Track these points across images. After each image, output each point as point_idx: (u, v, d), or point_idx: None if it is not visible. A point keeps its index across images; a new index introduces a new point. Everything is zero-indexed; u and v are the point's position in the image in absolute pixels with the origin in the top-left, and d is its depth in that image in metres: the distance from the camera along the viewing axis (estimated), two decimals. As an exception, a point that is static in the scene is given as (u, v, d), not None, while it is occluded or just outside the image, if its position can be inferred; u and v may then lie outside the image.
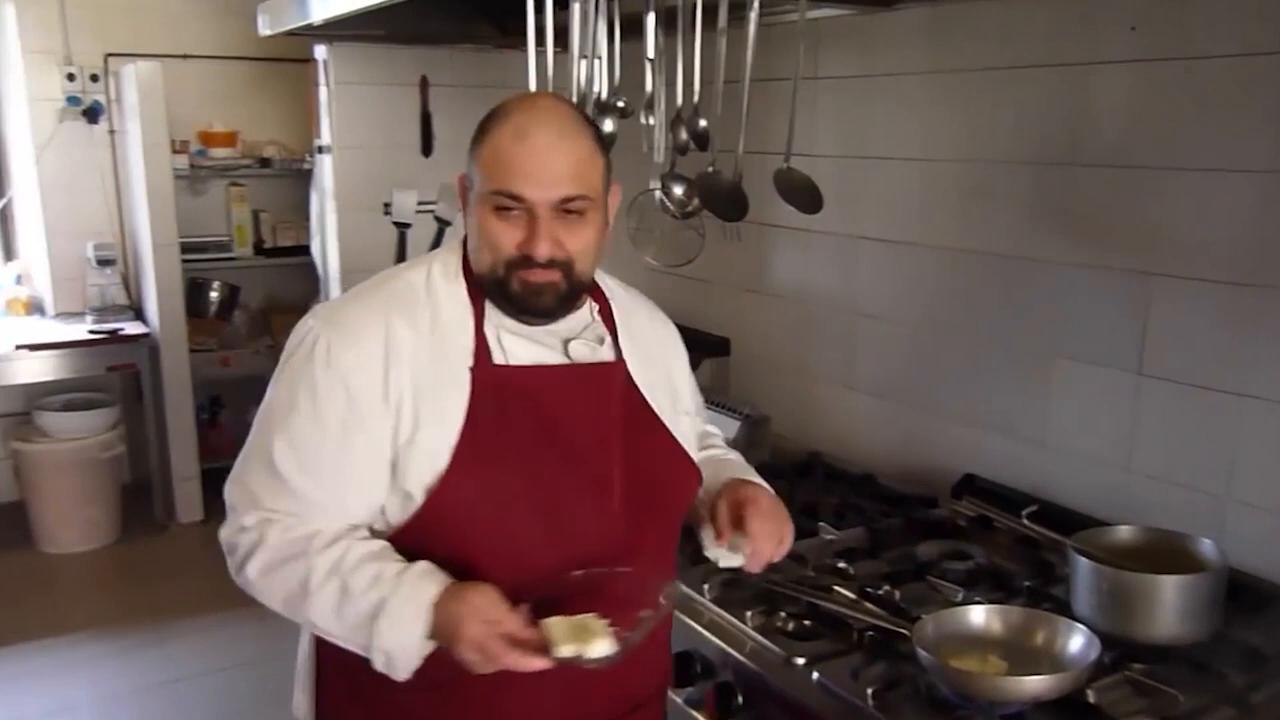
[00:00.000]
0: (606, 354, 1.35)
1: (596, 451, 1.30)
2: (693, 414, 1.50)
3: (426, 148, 3.20)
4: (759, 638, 1.62)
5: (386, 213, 3.20)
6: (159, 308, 4.02)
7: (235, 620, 3.06)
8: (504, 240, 1.23)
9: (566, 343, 1.33)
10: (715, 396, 2.58)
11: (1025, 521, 1.92)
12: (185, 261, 4.19)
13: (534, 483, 1.26)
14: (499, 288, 1.26)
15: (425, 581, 1.19)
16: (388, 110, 3.16)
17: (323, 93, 3.13)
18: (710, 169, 2.10)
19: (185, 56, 4.36)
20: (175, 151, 4.16)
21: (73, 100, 4.25)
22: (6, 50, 4.30)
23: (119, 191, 4.40)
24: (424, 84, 3.17)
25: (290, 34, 3.03)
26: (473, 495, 1.23)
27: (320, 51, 3.09)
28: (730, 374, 2.82)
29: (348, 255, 3.23)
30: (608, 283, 1.44)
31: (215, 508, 1.45)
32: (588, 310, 1.37)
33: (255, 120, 4.60)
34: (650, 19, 1.93)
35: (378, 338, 1.25)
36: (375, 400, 1.23)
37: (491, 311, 1.29)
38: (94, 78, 4.28)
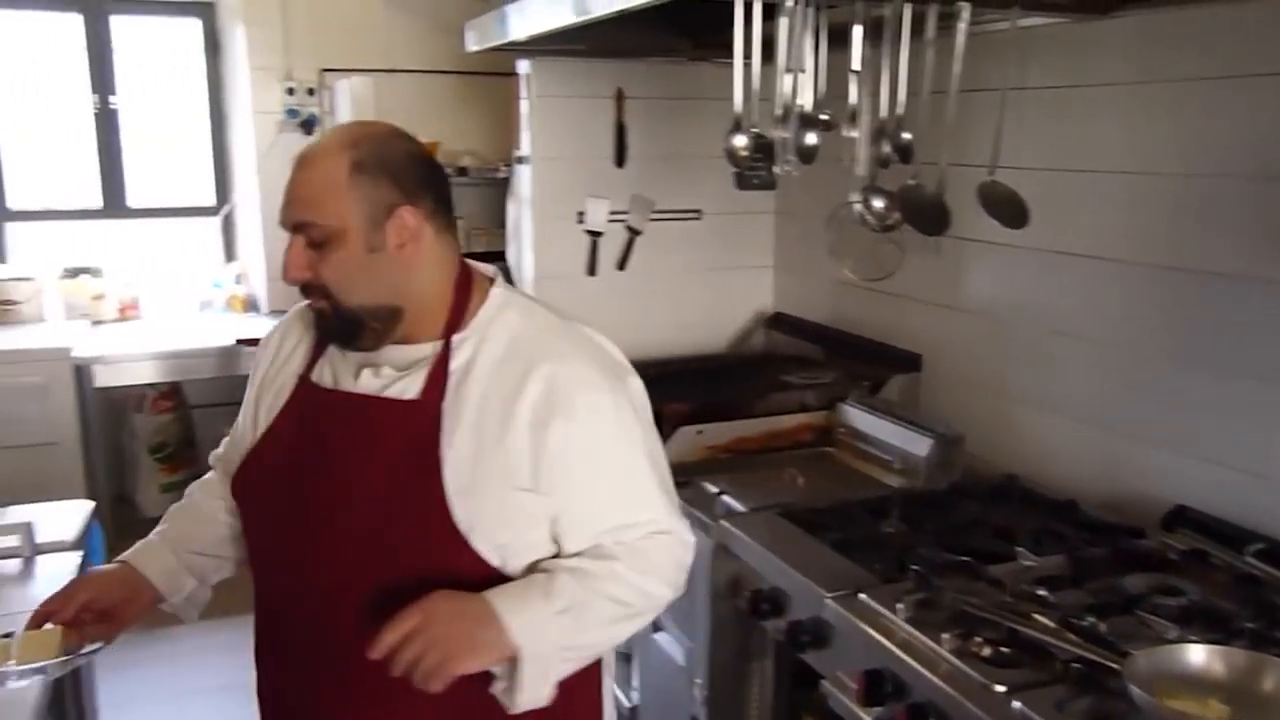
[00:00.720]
0: (408, 390, 1.29)
1: (340, 482, 1.29)
2: (539, 494, 1.28)
3: (620, 159, 3.27)
4: (955, 661, 1.58)
5: (580, 221, 3.29)
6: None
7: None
8: (284, 266, 1.31)
9: (361, 369, 1.34)
10: (904, 413, 2.54)
11: (1249, 559, 1.80)
12: (387, 264, 4.41)
13: (288, 492, 1.33)
14: None
15: None
16: (584, 122, 3.25)
17: (524, 105, 3.25)
18: (912, 181, 2.07)
19: (393, 71, 4.60)
20: (382, 161, 4.39)
21: (291, 113, 4.56)
22: (236, 67, 4.65)
23: (330, 198, 4.68)
24: (619, 97, 3.24)
25: (494, 50, 3.17)
26: (252, 484, 1.38)
27: (523, 66, 3.21)
28: (920, 391, 2.76)
29: (542, 262, 3.33)
30: (512, 326, 1.32)
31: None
32: (429, 345, 1.32)
33: (454, 131, 4.81)
34: (857, 30, 1.92)
35: (275, 336, 1.48)
36: (252, 384, 1.46)
37: None
38: (310, 91, 4.58)
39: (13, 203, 4.59)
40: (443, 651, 1.18)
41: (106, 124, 4.66)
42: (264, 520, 1.38)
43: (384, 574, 1.27)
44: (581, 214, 3.30)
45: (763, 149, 2.03)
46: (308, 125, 4.56)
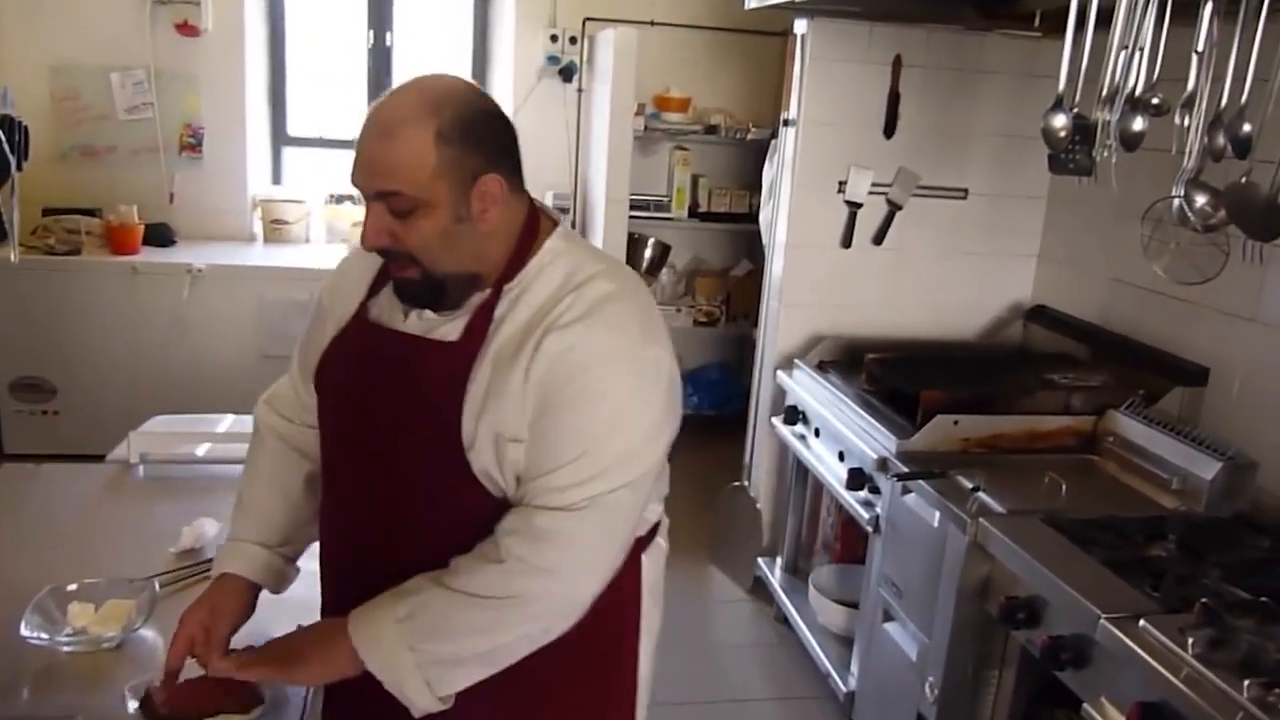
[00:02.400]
0: (450, 334, 1.28)
1: (371, 416, 1.30)
2: (521, 443, 1.23)
3: (890, 129, 3.15)
4: (1255, 711, 1.44)
5: (840, 191, 3.20)
6: (603, 258, 4.31)
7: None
8: (362, 231, 1.26)
9: (410, 311, 1.32)
10: (1184, 429, 2.33)
11: None
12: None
13: (336, 422, 1.37)
14: None
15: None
16: (857, 88, 3.14)
17: (796, 67, 3.17)
18: (1244, 179, 1.87)
19: (652, 24, 4.60)
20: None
21: (552, 60, 4.64)
22: (503, 13, 4.77)
23: (578, 147, 4.76)
24: (897, 64, 3.11)
25: (773, 8, 3.10)
26: (322, 403, 1.40)
27: (800, 26, 3.12)
28: (1203, 407, 2.54)
29: (796, 229, 3.26)
30: (554, 281, 1.26)
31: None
32: (480, 295, 1.28)
33: (708, 89, 4.78)
34: (1207, 7, 1.74)
35: (341, 265, 1.48)
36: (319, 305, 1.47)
37: None
38: (572, 40, 4.64)
39: (291, 129, 4.91)
40: (269, 656, 1.28)
41: (380, 59, 4.88)
42: (325, 428, 1.42)
43: (414, 511, 1.30)
44: (843, 183, 3.20)
45: (1082, 131, 1.88)
46: (567, 73, 4.63)
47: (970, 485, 2.25)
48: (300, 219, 4.67)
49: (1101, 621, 1.72)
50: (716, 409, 5.00)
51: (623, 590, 1.35)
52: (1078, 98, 1.91)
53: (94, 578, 1.61)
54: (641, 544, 1.42)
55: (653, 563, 1.45)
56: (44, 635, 1.48)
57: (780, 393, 3.32)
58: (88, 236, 4.23)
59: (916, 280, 3.35)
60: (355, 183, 1.23)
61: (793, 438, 3.16)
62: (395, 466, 1.29)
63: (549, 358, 1.21)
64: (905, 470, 2.41)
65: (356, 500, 1.36)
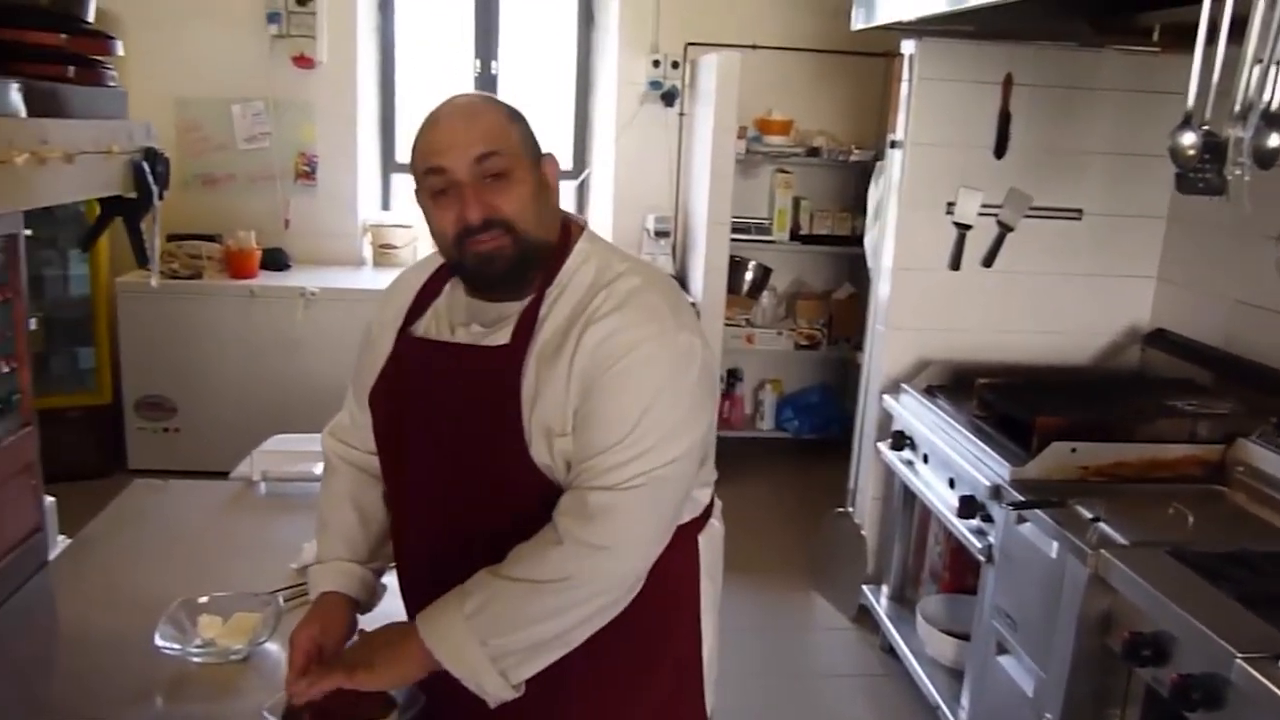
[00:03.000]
0: (497, 339, 1.33)
1: (433, 426, 1.36)
2: (568, 436, 1.29)
3: (1000, 149, 3.09)
4: None
5: (948, 213, 3.14)
6: (704, 281, 4.31)
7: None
8: (445, 221, 1.30)
9: (455, 326, 1.39)
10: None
11: None
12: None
13: (396, 440, 1.43)
14: (458, 268, 1.37)
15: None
16: (966, 108, 3.09)
17: (904, 87, 3.13)
18: (1389, 196, 1.78)
19: (754, 47, 4.61)
20: (735, 137, 4.42)
21: (654, 85, 4.68)
22: (606, 39, 4.84)
23: (679, 170, 4.79)
24: (1008, 82, 3.05)
25: (879, 28, 3.07)
26: (378, 429, 1.47)
27: (908, 46, 3.09)
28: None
29: (903, 252, 3.22)
30: (585, 281, 1.34)
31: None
32: (518, 304, 1.35)
33: (809, 110, 4.77)
34: (1351, 18, 1.67)
35: (386, 294, 1.52)
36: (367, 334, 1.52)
37: (448, 288, 1.43)
38: (674, 64, 4.68)
39: (400, 156, 5.04)
40: (345, 665, 1.30)
41: (486, 87, 4.98)
42: (384, 442, 1.47)
43: (484, 511, 1.34)
44: (951, 205, 3.14)
45: (1212, 149, 1.81)
46: (669, 98, 4.67)
47: (1090, 515, 2.17)
48: (408, 243, 4.79)
49: (1237, 661, 1.64)
50: (817, 433, 4.94)
51: (681, 572, 1.39)
52: (1208, 114, 1.84)
53: (220, 591, 1.67)
54: (696, 526, 1.45)
55: (709, 543, 1.48)
56: (176, 646, 1.54)
57: (886, 417, 3.27)
58: (209, 261, 4.42)
59: (1028, 303, 3.26)
60: (446, 163, 1.28)
61: (900, 463, 3.11)
62: (463, 470, 1.34)
63: (588, 348, 1.28)
64: (1020, 499, 2.34)
65: (427, 510, 1.41)
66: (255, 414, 4.05)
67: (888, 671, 3.20)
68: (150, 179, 1.54)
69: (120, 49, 1.65)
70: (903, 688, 3.08)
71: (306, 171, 4.73)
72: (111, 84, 1.58)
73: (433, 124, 1.32)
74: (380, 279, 4.54)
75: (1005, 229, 3.13)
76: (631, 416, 1.26)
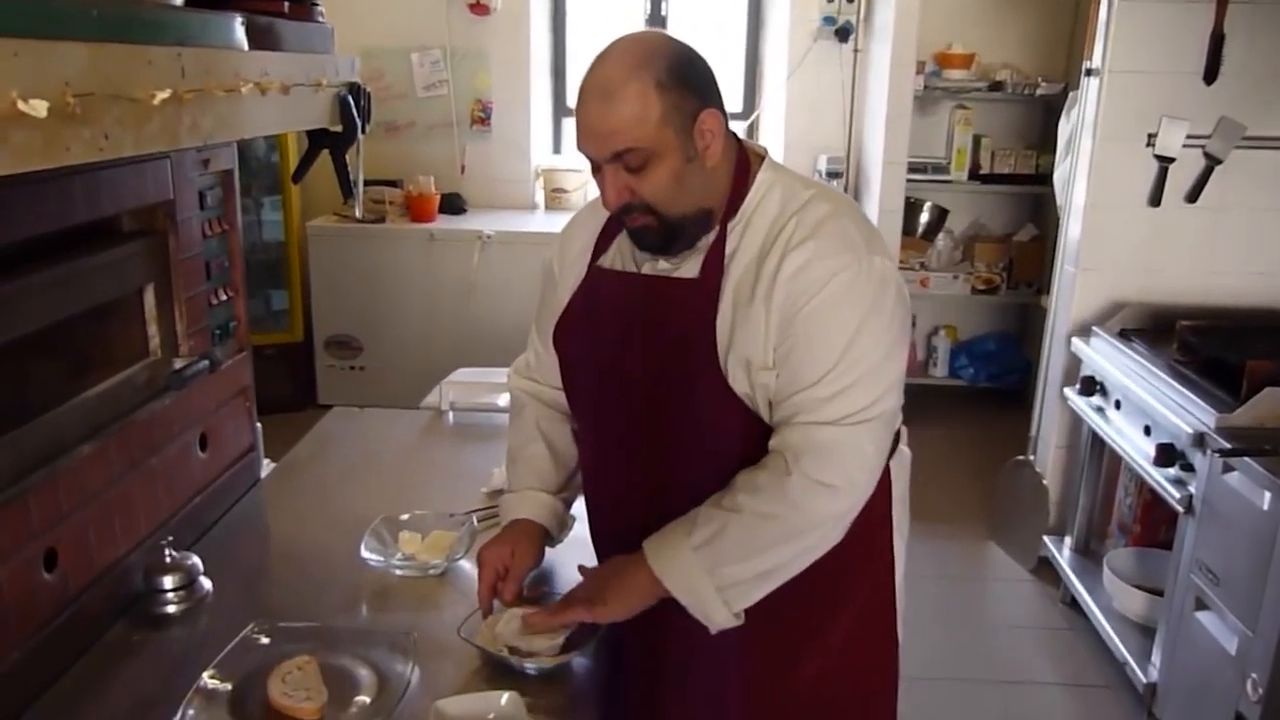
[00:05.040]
0: (687, 271, 1.33)
1: (626, 359, 1.36)
2: (770, 370, 1.28)
3: (1211, 74, 2.85)
4: None
5: (1149, 145, 2.93)
6: (878, 223, 4.16)
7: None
8: (601, 192, 1.31)
9: (644, 260, 1.37)
10: None
11: None
12: (905, 180, 4.32)
13: (588, 369, 1.43)
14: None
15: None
16: (1173, 30, 2.87)
17: (1103, 10, 2.94)
18: None
19: (934, -22, 4.40)
20: (913, 72, 4.26)
21: (828, 20, 4.54)
22: (779, -26, 4.72)
23: (852, 109, 4.65)
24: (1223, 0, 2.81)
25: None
26: (566, 364, 1.48)
27: (1110, -35, 2.89)
28: None
29: (1097, 188, 3.04)
30: (771, 211, 1.32)
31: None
32: (706, 236, 1.34)
33: (992, 43, 4.55)
34: None
35: (569, 228, 1.53)
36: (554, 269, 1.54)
37: None
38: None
39: (571, 101, 5.09)
40: (581, 598, 1.35)
41: (658, 28, 4.97)
42: (571, 381, 1.50)
43: (680, 441, 1.35)
44: (1152, 136, 2.93)
45: None
46: (843, 33, 4.51)
47: (1308, 465, 2.02)
48: (579, 187, 4.84)
49: None
50: (993, 381, 4.77)
51: (876, 497, 1.38)
52: None
53: (418, 510, 1.74)
54: (889, 452, 1.43)
55: (899, 468, 1.47)
56: (380, 558, 1.62)
57: (1074, 362, 3.11)
58: (390, 206, 4.59)
59: (1237, 241, 3.04)
60: (586, 151, 1.29)
61: (1089, 410, 2.96)
62: (658, 402, 1.35)
63: (785, 280, 1.27)
64: (1228, 446, 2.20)
65: (620, 442, 1.43)
66: (435, 353, 4.21)
67: (1070, 625, 3.08)
68: (355, 112, 1.60)
69: (323, -9, 1.71)
70: (1086, 642, 2.97)
71: (481, 118, 4.83)
72: (320, 19, 1.64)
73: (580, 100, 1.28)
74: (552, 223, 4.62)
75: (1213, 162, 2.89)
76: (837, 348, 1.25)
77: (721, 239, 1.33)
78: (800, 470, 1.24)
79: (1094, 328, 3.02)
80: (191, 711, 1.25)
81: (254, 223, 4.58)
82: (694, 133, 1.27)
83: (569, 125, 5.12)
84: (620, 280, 1.41)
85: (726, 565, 1.26)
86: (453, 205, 4.68)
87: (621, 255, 1.43)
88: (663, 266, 1.37)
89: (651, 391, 1.36)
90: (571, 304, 1.47)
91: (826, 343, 1.25)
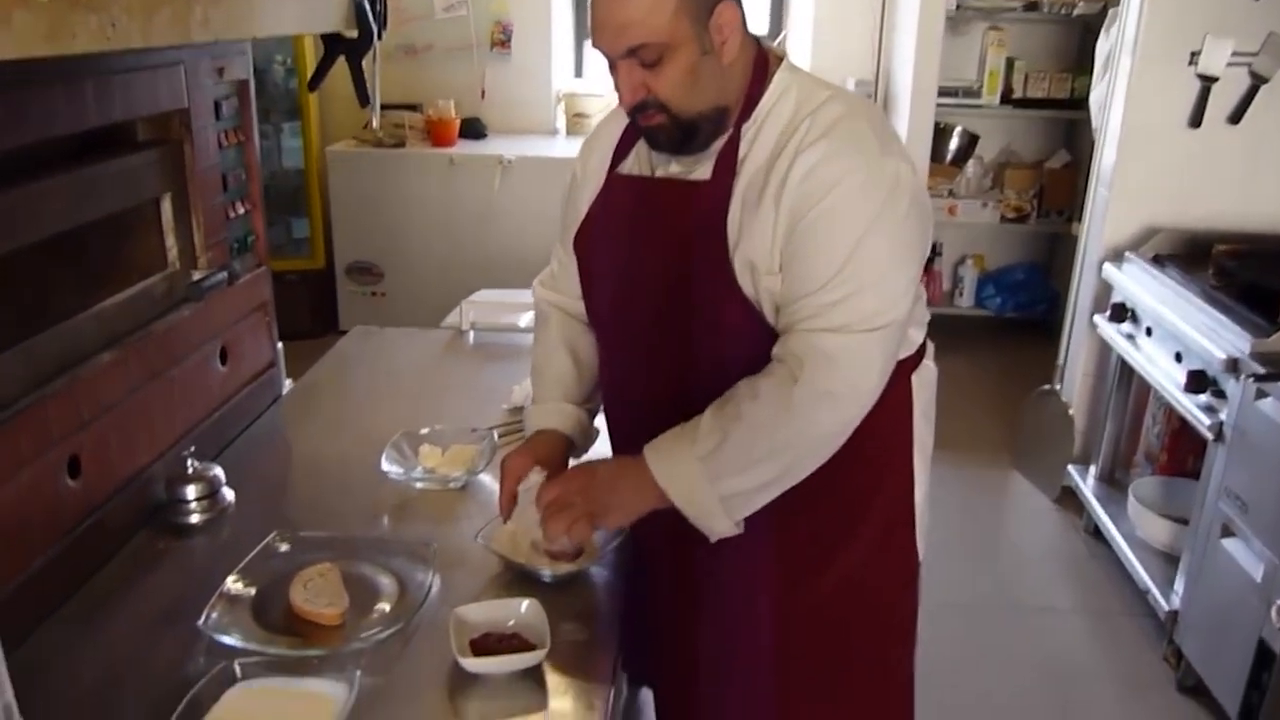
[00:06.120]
0: (700, 174, 1.31)
1: (640, 262, 1.35)
2: (775, 274, 1.26)
3: (1262, -12, 2.75)
4: None
5: (1191, 63, 2.84)
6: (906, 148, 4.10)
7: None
8: (617, 91, 1.28)
9: (658, 163, 1.35)
10: None
11: None
12: (935, 105, 4.21)
13: (605, 277, 1.42)
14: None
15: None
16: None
17: (1147, -78, 2.82)
18: None
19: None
20: (945, -9, 4.13)
21: (857, -63, 4.41)
22: (807, -110, 4.57)
23: (882, 30, 4.53)
24: (1274, -91, 2.70)
25: None
26: (585, 269, 1.47)
27: (1155, -127, 2.77)
28: None
29: (1135, 109, 2.95)
30: (785, 114, 1.27)
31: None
32: (721, 138, 1.30)
33: (1029, -39, 4.40)
34: None
35: (590, 139, 1.51)
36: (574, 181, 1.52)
37: None
38: (879, -87, 4.38)
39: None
40: (585, 510, 1.30)
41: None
42: (592, 283, 1.48)
43: (694, 345, 1.33)
44: (1195, 55, 2.83)
45: None
46: (873, -50, 4.39)
47: (1346, 391, 1.98)
48: (601, 111, 4.75)
49: None
50: (1020, 311, 4.71)
51: (897, 410, 1.37)
52: None
53: (439, 425, 1.74)
54: (910, 365, 1.41)
55: (922, 383, 1.44)
56: (400, 470, 1.62)
57: (1105, 289, 3.06)
58: (410, 130, 4.53)
59: (1278, 165, 2.95)
60: (600, 46, 1.25)
61: (1119, 336, 2.91)
62: (672, 305, 1.34)
63: (795, 180, 1.23)
64: (1262, 371, 2.16)
65: (637, 346, 1.41)
66: (456, 280, 4.16)
67: (1093, 554, 3.07)
68: (370, 17, 1.56)
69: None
70: (1109, 570, 2.96)
71: (502, 40, 4.74)
72: (335, -79, 1.59)
73: None
74: (573, 147, 4.48)
75: (1259, 80, 2.80)
76: (843, 252, 1.22)
77: (735, 141, 1.30)
78: (804, 378, 1.22)
79: (1127, 253, 2.95)
80: (216, 614, 1.25)
81: (274, 149, 4.54)
82: (710, 26, 1.24)
83: (590, 49, 5.02)
84: (635, 185, 1.39)
85: (730, 476, 1.25)
86: (473, 130, 4.62)
87: (639, 160, 1.41)
88: (676, 169, 1.34)
89: (665, 296, 1.34)
90: (591, 211, 1.46)
91: (832, 246, 1.22)
